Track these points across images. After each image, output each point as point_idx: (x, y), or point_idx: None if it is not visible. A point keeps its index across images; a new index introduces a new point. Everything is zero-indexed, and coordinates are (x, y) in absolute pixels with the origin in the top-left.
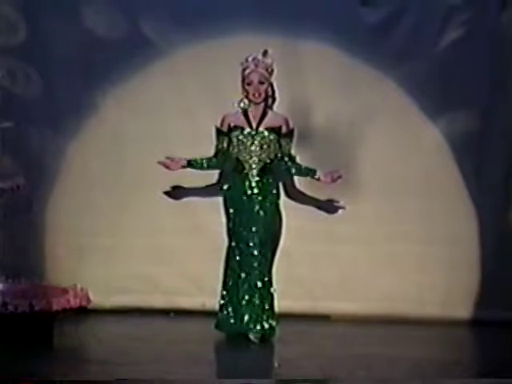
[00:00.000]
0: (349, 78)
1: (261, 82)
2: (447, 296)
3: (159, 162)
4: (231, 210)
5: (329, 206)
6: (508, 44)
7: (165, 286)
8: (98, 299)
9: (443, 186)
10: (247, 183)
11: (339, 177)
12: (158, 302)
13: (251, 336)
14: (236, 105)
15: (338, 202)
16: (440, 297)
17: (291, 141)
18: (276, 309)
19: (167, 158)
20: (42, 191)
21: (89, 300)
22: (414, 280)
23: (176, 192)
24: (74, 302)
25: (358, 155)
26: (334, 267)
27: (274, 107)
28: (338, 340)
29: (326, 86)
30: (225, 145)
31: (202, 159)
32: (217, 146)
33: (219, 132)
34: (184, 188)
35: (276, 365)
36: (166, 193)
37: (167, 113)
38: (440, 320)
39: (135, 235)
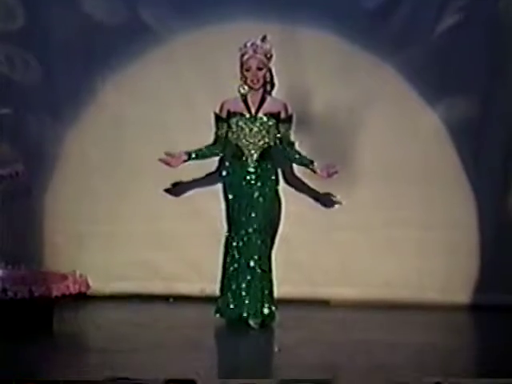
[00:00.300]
0: (347, 65)
1: (259, 68)
2: (447, 281)
3: (160, 160)
4: (230, 197)
5: (327, 195)
6: (505, 30)
7: (164, 272)
8: (97, 285)
9: (442, 172)
10: (246, 169)
11: (335, 172)
12: (158, 287)
13: (251, 322)
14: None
15: (334, 196)
16: (439, 282)
17: (290, 126)
18: (275, 294)
19: (167, 153)
20: (41, 178)
21: (88, 286)
22: (413, 265)
23: (175, 182)
24: (74, 288)
25: (357, 141)
26: (333, 253)
27: (273, 93)
28: (337, 325)
29: (325, 73)
30: (224, 131)
31: (201, 149)
32: (216, 133)
33: (218, 118)
34: (183, 182)
35: (276, 349)
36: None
37: (166, 99)
38: (440, 305)
39: (134, 221)
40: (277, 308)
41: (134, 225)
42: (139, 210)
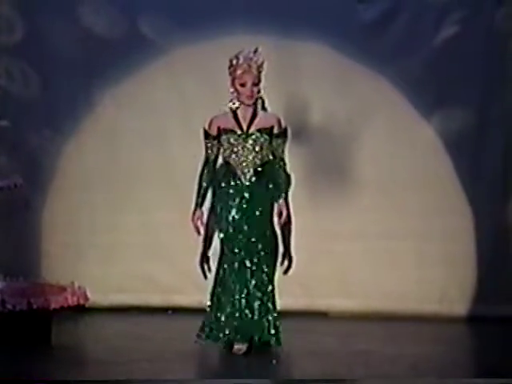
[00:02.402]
0: (344, 77)
1: (254, 84)
2: (445, 292)
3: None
4: (223, 218)
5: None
6: (503, 41)
7: (163, 284)
8: (95, 297)
9: (439, 183)
10: (240, 188)
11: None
12: (156, 300)
13: (235, 346)
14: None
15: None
16: (438, 293)
17: (284, 141)
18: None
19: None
20: (39, 190)
21: (87, 298)
22: (411, 276)
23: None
24: (72, 300)
25: (354, 152)
26: (330, 263)
27: (269, 105)
28: (336, 337)
29: (322, 85)
30: (215, 150)
31: (204, 194)
32: (207, 153)
33: (208, 135)
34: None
35: (273, 362)
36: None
37: (165, 112)
38: (438, 316)
39: (133, 233)
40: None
41: (133, 236)
42: (138, 221)
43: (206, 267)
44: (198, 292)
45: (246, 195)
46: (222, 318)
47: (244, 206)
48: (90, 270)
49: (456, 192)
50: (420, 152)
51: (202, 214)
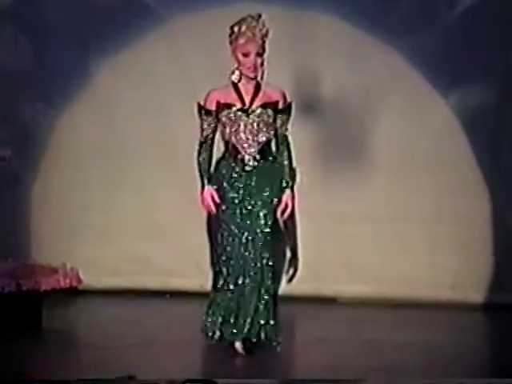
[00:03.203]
0: (357, 49)
1: (258, 54)
2: (458, 278)
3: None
4: (224, 203)
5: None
6: None
7: (160, 267)
8: (89, 279)
9: (455, 164)
10: (243, 170)
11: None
12: (153, 283)
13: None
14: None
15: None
16: (451, 279)
17: (288, 118)
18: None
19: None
20: (31, 164)
21: (79, 280)
22: (423, 261)
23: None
24: (64, 283)
25: (367, 130)
26: (339, 247)
27: (278, 77)
28: (344, 324)
29: (334, 58)
30: (212, 127)
31: (208, 167)
32: (202, 131)
33: (204, 111)
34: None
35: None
36: None
37: (165, 83)
38: (451, 303)
39: (130, 212)
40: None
41: (130, 215)
42: (135, 199)
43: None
44: (198, 274)
45: (251, 176)
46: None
47: (246, 187)
48: (84, 251)
49: (472, 173)
50: (436, 131)
51: (213, 190)
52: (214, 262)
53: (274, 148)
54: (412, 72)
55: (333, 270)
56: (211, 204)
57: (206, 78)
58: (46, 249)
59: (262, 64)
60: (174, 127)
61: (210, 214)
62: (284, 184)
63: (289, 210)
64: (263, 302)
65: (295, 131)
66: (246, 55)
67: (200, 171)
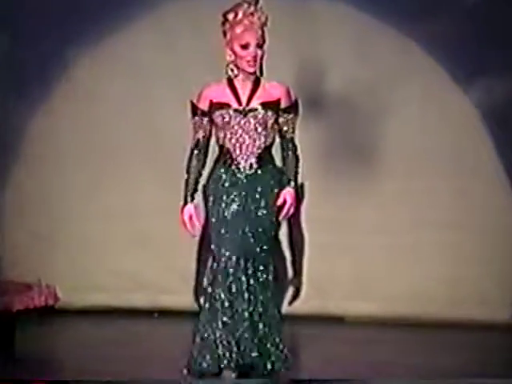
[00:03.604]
0: (367, 39)
1: (258, 45)
2: (483, 294)
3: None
4: (214, 217)
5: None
6: None
7: (147, 282)
8: (67, 297)
9: (477, 165)
10: (238, 178)
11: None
12: (140, 300)
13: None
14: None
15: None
16: (474, 295)
17: (294, 119)
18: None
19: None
20: (1, 167)
21: (56, 298)
22: (442, 275)
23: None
24: (39, 301)
25: (378, 128)
26: (348, 260)
27: (281, 71)
28: (353, 345)
29: (341, 48)
30: (206, 129)
31: (197, 179)
32: (195, 134)
33: (197, 111)
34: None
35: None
36: None
37: (153, 74)
38: (475, 322)
39: (112, 220)
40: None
41: (112, 224)
42: (118, 205)
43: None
44: (189, 292)
45: (247, 187)
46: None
47: (242, 196)
48: (61, 265)
49: (497, 176)
50: (455, 128)
51: (196, 208)
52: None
53: (276, 154)
54: (429, 62)
55: (341, 286)
56: (188, 224)
57: (199, 70)
58: (20, 262)
59: (262, 56)
60: (163, 125)
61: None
62: (286, 181)
63: (288, 207)
64: (266, 325)
65: (297, 132)
66: (244, 47)
67: (186, 182)
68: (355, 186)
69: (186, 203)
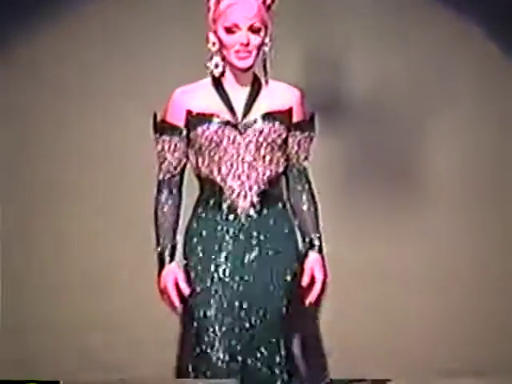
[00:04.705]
0: (398, 24)
1: (254, 29)
2: None
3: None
4: (199, 283)
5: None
6: None
7: (106, 362)
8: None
9: None
10: (232, 223)
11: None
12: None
13: None
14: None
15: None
16: None
17: (310, 139)
18: None
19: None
20: None
21: None
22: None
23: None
24: None
25: (412, 143)
26: (369, 327)
27: (280, 72)
28: None
29: (363, 35)
30: (182, 154)
31: (173, 226)
32: (163, 163)
33: (166, 128)
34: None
35: None
36: None
37: (106, 74)
38: None
39: (58, 274)
40: None
41: (67, 278)
42: (72, 249)
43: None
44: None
45: (243, 237)
46: None
47: (240, 256)
48: None
49: None
50: None
51: (178, 270)
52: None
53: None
54: (483, 49)
55: (357, 360)
56: (172, 293)
57: (183, 56)
58: None
59: (260, 47)
60: (122, 148)
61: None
62: (307, 244)
63: (319, 288)
64: None
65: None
66: (229, 30)
67: (157, 232)
68: (378, 221)
69: (163, 265)
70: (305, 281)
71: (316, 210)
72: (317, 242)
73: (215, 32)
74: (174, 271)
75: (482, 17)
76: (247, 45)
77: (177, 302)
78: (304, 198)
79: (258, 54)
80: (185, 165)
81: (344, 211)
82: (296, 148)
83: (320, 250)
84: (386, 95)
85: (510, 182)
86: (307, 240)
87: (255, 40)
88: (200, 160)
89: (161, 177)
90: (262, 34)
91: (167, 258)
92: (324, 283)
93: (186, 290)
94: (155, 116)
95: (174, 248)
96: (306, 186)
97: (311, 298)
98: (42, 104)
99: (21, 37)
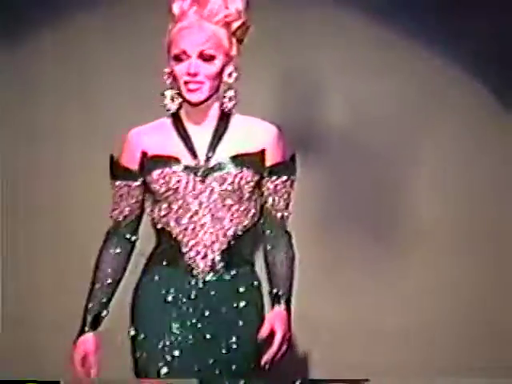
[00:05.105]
0: (381, 54)
1: (206, 57)
2: None
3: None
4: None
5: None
6: None
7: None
8: None
9: None
10: (191, 285)
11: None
12: None
13: None
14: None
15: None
16: None
17: (290, 181)
18: None
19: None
20: None
21: None
22: None
23: None
24: None
25: (403, 177)
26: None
27: (255, 101)
28: None
29: (349, 63)
30: (137, 201)
31: (114, 286)
32: (114, 211)
33: (119, 172)
34: None
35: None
36: None
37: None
38: None
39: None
40: None
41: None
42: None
43: None
44: None
45: (203, 305)
46: None
47: (199, 326)
48: None
49: None
50: None
51: (93, 341)
52: None
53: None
54: (469, 85)
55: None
56: (77, 368)
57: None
58: None
59: (216, 77)
60: (71, 195)
61: None
62: (273, 296)
63: (277, 345)
64: None
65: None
66: (178, 58)
67: (91, 293)
68: (367, 266)
69: (82, 331)
70: (263, 331)
71: (292, 268)
72: (284, 298)
73: (168, 61)
74: (87, 342)
75: (457, 52)
76: (195, 75)
77: (80, 371)
78: (280, 256)
79: (214, 86)
80: (139, 214)
81: (318, 252)
82: (273, 195)
83: (287, 306)
84: (368, 127)
85: (498, 222)
86: (274, 292)
87: (207, 70)
88: (156, 209)
89: (110, 227)
90: (217, 62)
91: (87, 326)
92: (284, 340)
93: (93, 371)
94: (111, 158)
95: (99, 317)
96: (283, 241)
97: (267, 356)
98: None
99: None
